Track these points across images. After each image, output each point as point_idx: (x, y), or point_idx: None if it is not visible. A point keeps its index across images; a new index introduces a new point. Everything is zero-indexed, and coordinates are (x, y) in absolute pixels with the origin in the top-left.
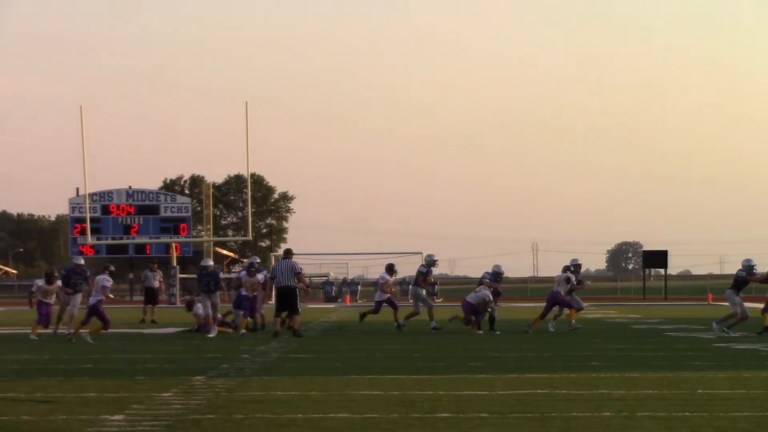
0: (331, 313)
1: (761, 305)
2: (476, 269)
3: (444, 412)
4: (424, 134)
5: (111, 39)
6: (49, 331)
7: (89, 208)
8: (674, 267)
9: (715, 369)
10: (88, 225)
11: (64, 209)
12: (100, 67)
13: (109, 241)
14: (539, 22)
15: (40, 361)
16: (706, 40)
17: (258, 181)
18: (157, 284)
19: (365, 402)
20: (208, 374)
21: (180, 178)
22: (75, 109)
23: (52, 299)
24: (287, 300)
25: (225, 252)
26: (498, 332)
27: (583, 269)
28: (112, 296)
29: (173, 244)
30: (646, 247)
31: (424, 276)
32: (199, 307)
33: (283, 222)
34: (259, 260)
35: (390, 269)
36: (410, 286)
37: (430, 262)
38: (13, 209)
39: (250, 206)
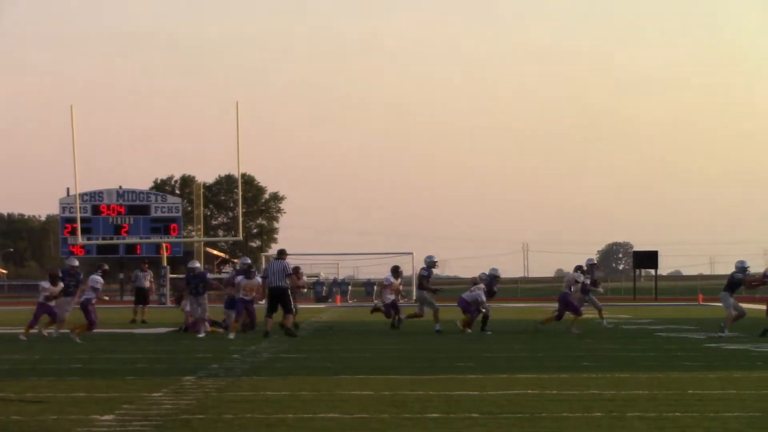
0: (322, 313)
1: (752, 305)
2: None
3: (434, 412)
4: (415, 134)
5: (102, 39)
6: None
7: (80, 208)
8: (665, 267)
9: (706, 369)
10: (78, 225)
11: (54, 209)
12: (90, 66)
13: (100, 241)
14: (533, 24)
15: (30, 361)
16: (698, 40)
17: (249, 182)
18: (147, 284)
19: (356, 402)
20: (198, 374)
21: (170, 178)
22: (65, 109)
23: (54, 302)
24: (279, 300)
25: (215, 252)
26: (489, 332)
27: (572, 270)
28: (106, 297)
29: (164, 245)
30: (637, 248)
31: (426, 278)
32: (186, 303)
33: (274, 222)
34: (250, 261)
35: (395, 271)
36: (415, 290)
37: (430, 264)
38: (3, 209)
39: (241, 206)
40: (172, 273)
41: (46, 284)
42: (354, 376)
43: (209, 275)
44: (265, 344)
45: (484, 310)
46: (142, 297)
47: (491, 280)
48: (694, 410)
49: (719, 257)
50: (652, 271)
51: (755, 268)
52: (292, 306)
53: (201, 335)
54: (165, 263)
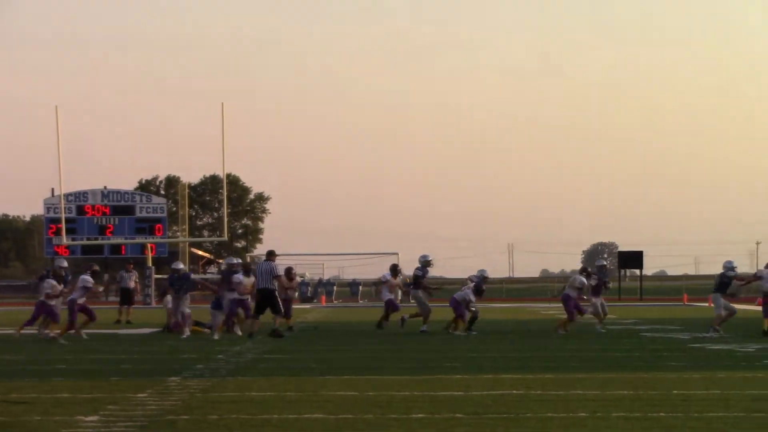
0: (307, 314)
1: (741, 306)
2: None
3: (419, 412)
4: (400, 135)
5: (87, 39)
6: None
7: (64, 208)
8: (649, 267)
9: (690, 370)
10: (63, 225)
11: (39, 209)
12: (75, 67)
13: (85, 242)
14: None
15: (15, 361)
16: (687, 40)
17: (234, 182)
18: (132, 285)
19: (340, 402)
20: (183, 375)
21: (155, 178)
22: (50, 109)
23: (53, 301)
24: (267, 302)
25: (200, 253)
26: (474, 332)
27: (557, 270)
28: (101, 288)
29: (149, 245)
30: (622, 248)
31: (421, 278)
32: (168, 300)
33: (259, 222)
34: (236, 260)
35: (394, 270)
36: (411, 289)
37: (425, 263)
38: None
39: (226, 207)
40: (157, 273)
41: (52, 281)
42: (339, 376)
43: (193, 276)
44: (250, 345)
45: (473, 309)
46: (127, 297)
47: (480, 280)
48: (679, 410)
49: (704, 257)
50: (637, 271)
51: (741, 268)
52: (281, 307)
53: (184, 336)
54: (150, 264)
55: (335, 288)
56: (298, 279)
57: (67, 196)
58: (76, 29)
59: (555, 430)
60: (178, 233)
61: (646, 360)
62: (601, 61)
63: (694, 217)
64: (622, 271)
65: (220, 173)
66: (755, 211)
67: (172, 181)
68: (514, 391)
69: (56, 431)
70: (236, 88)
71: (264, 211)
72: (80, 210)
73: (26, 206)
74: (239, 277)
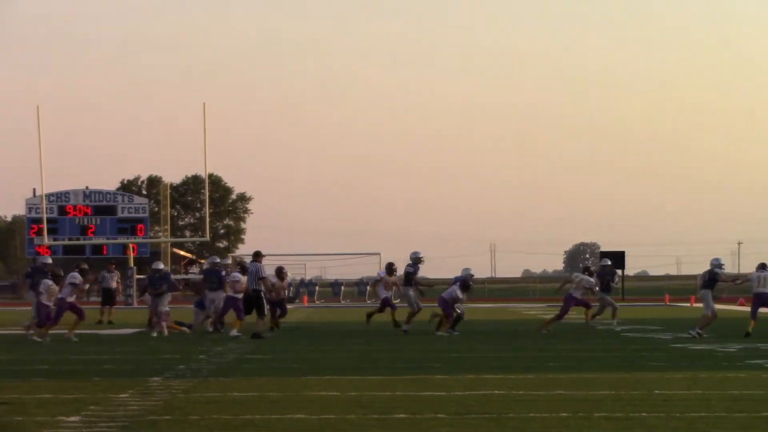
0: (289, 314)
1: (726, 306)
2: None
3: (401, 412)
4: (382, 134)
5: (68, 38)
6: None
7: (46, 208)
8: (631, 268)
9: (672, 370)
10: (44, 225)
11: (20, 210)
12: (56, 66)
13: (66, 242)
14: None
15: None
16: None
17: (216, 182)
18: (114, 285)
19: (322, 403)
20: (164, 375)
21: (137, 178)
22: (32, 109)
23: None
24: (252, 303)
25: (182, 253)
26: (457, 333)
27: (539, 270)
28: (86, 286)
29: (130, 245)
30: (604, 248)
31: (412, 275)
32: (148, 298)
33: (241, 223)
34: (219, 260)
35: (389, 268)
36: (402, 287)
37: (416, 260)
38: None
39: (208, 207)
40: (139, 274)
41: (49, 281)
42: (321, 376)
43: (172, 277)
44: (232, 345)
45: (459, 312)
46: (108, 298)
47: (467, 277)
48: (661, 410)
49: (686, 257)
50: (619, 272)
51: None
52: (265, 310)
53: (154, 334)
54: (132, 264)
55: (317, 288)
56: (287, 280)
57: (48, 196)
58: (57, 28)
59: (537, 431)
60: (160, 233)
61: (627, 360)
62: (586, 62)
63: (676, 218)
64: None
65: (202, 173)
66: (737, 211)
67: (153, 181)
68: (497, 392)
69: None
70: (218, 88)
71: (246, 211)
72: (62, 210)
73: (7, 206)
74: (237, 275)
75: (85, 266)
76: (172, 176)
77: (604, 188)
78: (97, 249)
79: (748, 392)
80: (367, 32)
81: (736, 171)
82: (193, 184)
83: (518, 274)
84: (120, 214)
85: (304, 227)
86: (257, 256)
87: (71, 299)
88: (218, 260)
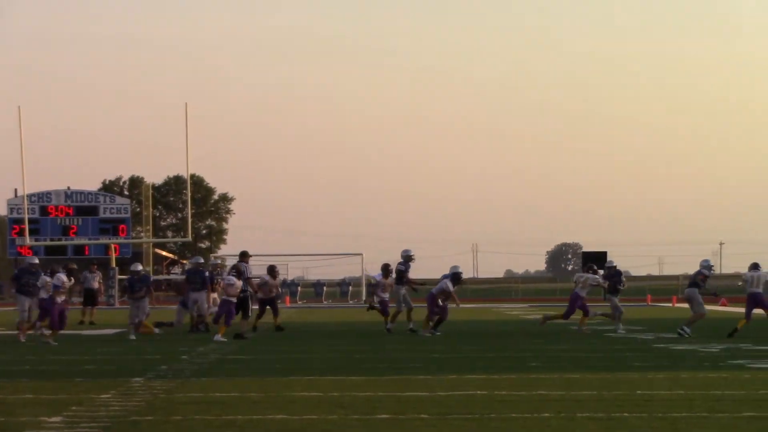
0: (271, 315)
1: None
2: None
3: (384, 413)
4: (363, 135)
5: (49, 39)
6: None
7: (27, 209)
8: None
9: (654, 370)
10: (26, 226)
11: (1, 210)
12: (38, 67)
13: (48, 243)
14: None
15: None
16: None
17: (198, 182)
18: (96, 285)
19: (304, 403)
20: (146, 376)
21: (119, 179)
22: (13, 110)
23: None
24: (238, 304)
25: (164, 253)
26: (439, 333)
27: (521, 271)
28: (62, 295)
29: (112, 246)
30: (586, 248)
31: (403, 273)
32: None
33: (223, 223)
34: (202, 260)
35: (385, 269)
36: (394, 285)
37: (407, 257)
38: None
39: (190, 207)
40: (121, 274)
41: (46, 278)
42: (303, 377)
43: (152, 278)
44: (214, 345)
45: (441, 304)
46: (90, 298)
47: (458, 272)
48: (643, 410)
49: (668, 258)
50: (601, 272)
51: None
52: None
53: (132, 337)
54: (114, 264)
55: (299, 289)
56: (279, 279)
57: (30, 196)
58: (38, 29)
59: (519, 431)
60: (142, 234)
61: (610, 360)
62: (567, 62)
63: (658, 218)
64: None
65: (184, 174)
66: (719, 212)
67: (135, 182)
68: (479, 392)
69: None
70: (201, 88)
71: (228, 211)
72: (43, 210)
73: None
74: (232, 279)
75: (74, 266)
76: (154, 176)
77: (585, 188)
78: (79, 249)
79: (730, 392)
80: (346, 32)
81: (718, 172)
82: (175, 184)
83: (500, 275)
84: (102, 215)
85: (286, 228)
86: (243, 256)
87: (61, 299)
88: (202, 260)
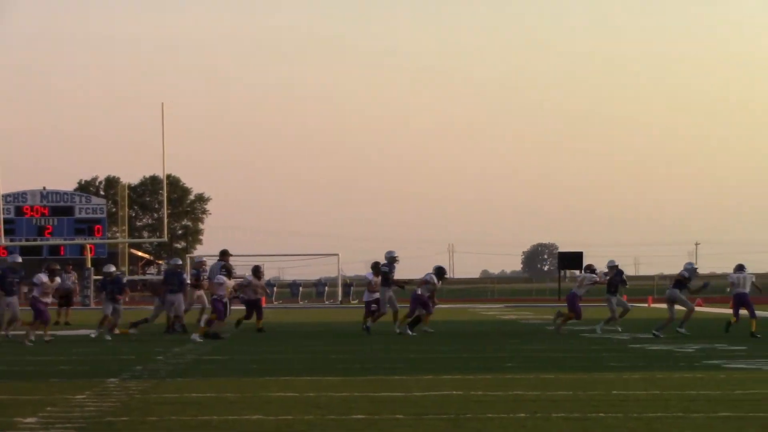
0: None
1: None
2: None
3: (359, 413)
4: (340, 136)
5: (24, 38)
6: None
7: (3, 209)
8: None
9: (630, 370)
10: (1, 226)
11: None
12: (12, 67)
13: (23, 243)
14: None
15: None
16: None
17: (174, 183)
18: (71, 286)
19: (280, 403)
20: (122, 376)
21: (95, 179)
22: None
23: (49, 298)
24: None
25: (140, 254)
26: (414, 333)
27: (497, 271)
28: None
29: (88, 246)
30: (562, 249)
31: (388, 275)
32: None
33: (199, 223)
34: (180, 262)
35: (375, 267)
36: (381, 287)
37: (391, 259)
38: None
39: (166, 207)
40: (96, 275)
41: (44, 277)
42: (279, 377)
43: (125, 279)
44: (190, 346)
45: (418, 313)
46: (65, 299)
47: (442, 267)
48: (619, 411)
49: (644, 258)
50: (577, 272)
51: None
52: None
53: (108, 337)
54: (89, 265)
55: (275, 289)
56: (263, 280)
57: (5, 196)
58: (12, 27)
59: (495, 431)
60: (118, 234)
61: (585, 360)
62: (544, 66)
63: (634, 218)
64: (562, 272)
65: (160, 174)
66: (694, 212)
67: (111, 182)
68: (455, 392)
69: None
70: (177, 88)
71: (204, 211)
72: (19, 211)
73: None
74: (222, 278)
75: (57, 266)
76: (130, 177)
77: (561, 189)
78: (55, 250)
79: (705, 392)
80: (327, 34)
81: (693, 173)
82: (151, 184)
83: (476, 275)
84: (77, 215)
85: (262, 228)
86: (224, 255)
87: (47, 300)
88: (180, 262)
